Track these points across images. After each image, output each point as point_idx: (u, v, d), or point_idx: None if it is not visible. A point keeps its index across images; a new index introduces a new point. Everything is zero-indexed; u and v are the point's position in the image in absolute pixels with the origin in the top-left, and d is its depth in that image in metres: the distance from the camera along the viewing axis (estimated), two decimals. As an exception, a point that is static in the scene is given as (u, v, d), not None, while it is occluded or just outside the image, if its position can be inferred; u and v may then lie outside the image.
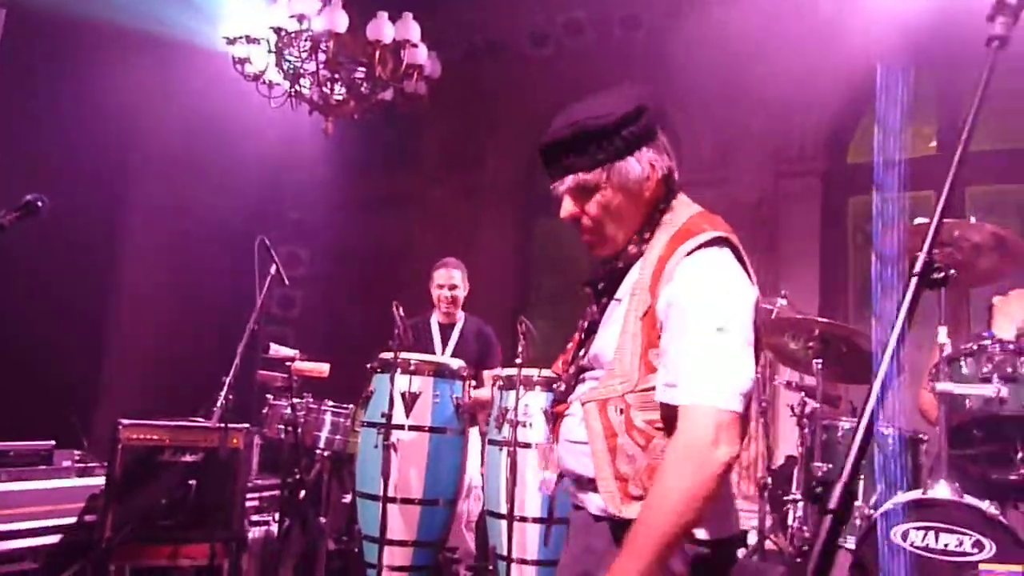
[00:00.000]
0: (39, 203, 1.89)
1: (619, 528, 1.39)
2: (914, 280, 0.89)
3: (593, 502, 1.46)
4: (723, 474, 1.30)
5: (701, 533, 1.38)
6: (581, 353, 1.55)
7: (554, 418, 1.58)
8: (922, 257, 0.88)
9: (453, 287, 3.91)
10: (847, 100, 5.07)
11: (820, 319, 3.25)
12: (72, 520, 3.90)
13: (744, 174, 5.05)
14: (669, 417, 1.35)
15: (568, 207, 1.49)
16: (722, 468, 1.29)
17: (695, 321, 1.34)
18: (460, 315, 3.95)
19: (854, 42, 4.53)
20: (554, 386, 1.63)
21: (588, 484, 1.46)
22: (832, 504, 0.84)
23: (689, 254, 1.38)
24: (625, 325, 1.42)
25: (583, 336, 1.57)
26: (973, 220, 2.94)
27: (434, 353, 3.73)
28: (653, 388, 1.38)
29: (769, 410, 4.10)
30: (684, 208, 1.51)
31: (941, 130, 5.42)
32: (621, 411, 1.39)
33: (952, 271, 0.88)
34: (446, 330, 3.94)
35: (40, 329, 5.19)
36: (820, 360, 3.16)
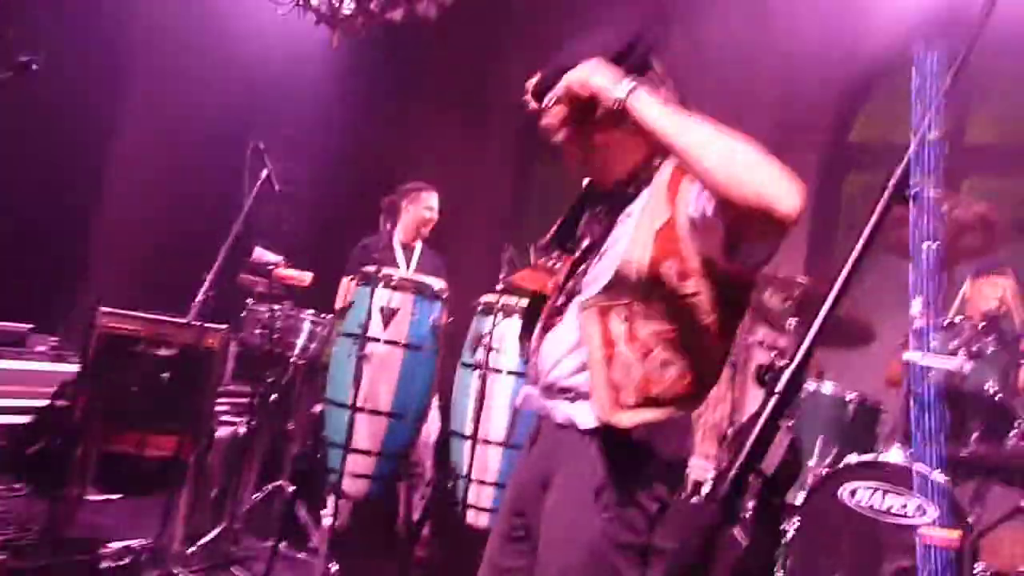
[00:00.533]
0: (33, 64, 1.86)
1: (607, 437, 1.41)
2: (886, 193, 0.91)
3: (562, 411, 1.48)
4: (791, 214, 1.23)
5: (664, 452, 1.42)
6: (582, 268, 1.53)
7: (543, 330, 1.55)
8: (896, 175, 0.90)
9: (434, 212, 3.98)
10: (854, 78, 5.03)
11: (802, 279, 3.28)
12: (44, 403, 3.95)
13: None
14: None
15: (560, 134, 1.48)
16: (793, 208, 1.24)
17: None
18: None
19: (863, 22, 4.49)
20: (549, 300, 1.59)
21: (561, 393, 1.48)
22: (779, 387, 0.87)
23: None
24: (636, 235, 1.43)
25: (582, 254, 1.57)
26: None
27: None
28: (662, 298, 1.39)
29: (740, 368, 4.16)
30: None
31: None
32: (625, 318, 1.40)
33: (915, 195, 0.90)
34: (408, 250, 3.97)
35: (26, 212, 5.15)
36: (796, 319, 3.21)
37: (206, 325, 3.37)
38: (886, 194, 0.92)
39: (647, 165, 1.50)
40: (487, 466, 3.07)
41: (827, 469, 2.91)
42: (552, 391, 1.51)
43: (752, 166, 1.22)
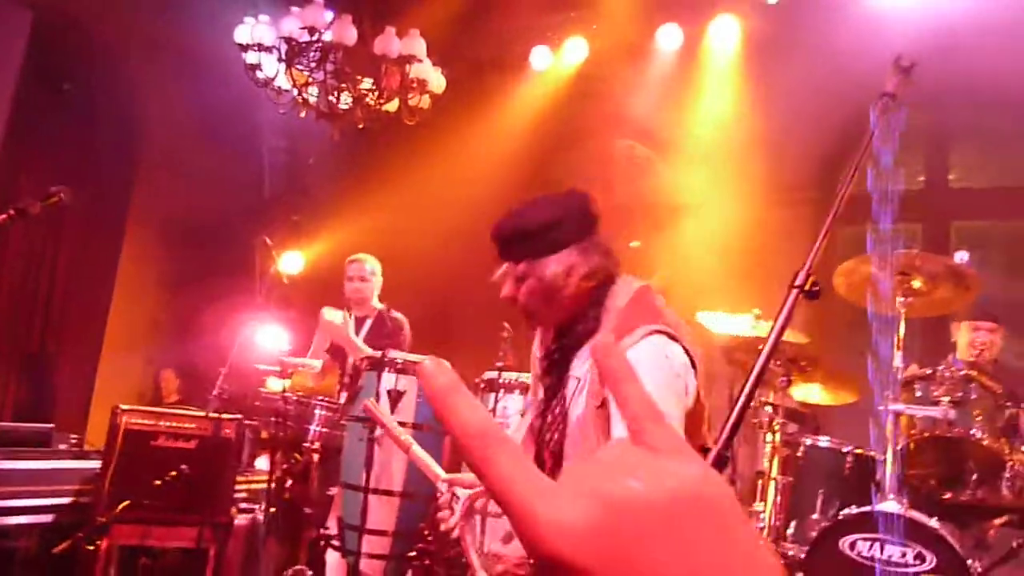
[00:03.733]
0: (62, 195, 2.05)
1: None
2: (794, 291, 1.06)
3: None
4: None
5: None
6: (548, 437, 1.68)
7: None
8: (803, 272, 1.06)
9: (363, 279, 4.03)
10: (842, 133, 5.26)
11: (799, 338, 3.41)
12: (67, 500, 4.06)
13: (735, 200, 5.23)
14: None
15: (505, 289, 1.74)
16: None
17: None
18: (373, 307, 4.02)
19: (847, 78, 4.72)
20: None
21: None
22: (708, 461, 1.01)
23: (633, 345, 1.57)
24: (586, 412, 1.60)
25: (543, 419, 1.72)
26: (962, 257, 3.13)
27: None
28: None
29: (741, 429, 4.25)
30: (624, 294, 1.71)
31: (928, 166, 5.62)
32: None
33: (818, 287, 1.05)
34: (359, 322, 4.01)
35: (45, 322, 5.36)
36: (785, 379, 3.33)
37: (222, 416, 3.51)
38: (792, 295, 1.08)
39: (584, 318, 1.70)
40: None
41: (827, 523, 2.99)
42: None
43: None
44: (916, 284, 2.99)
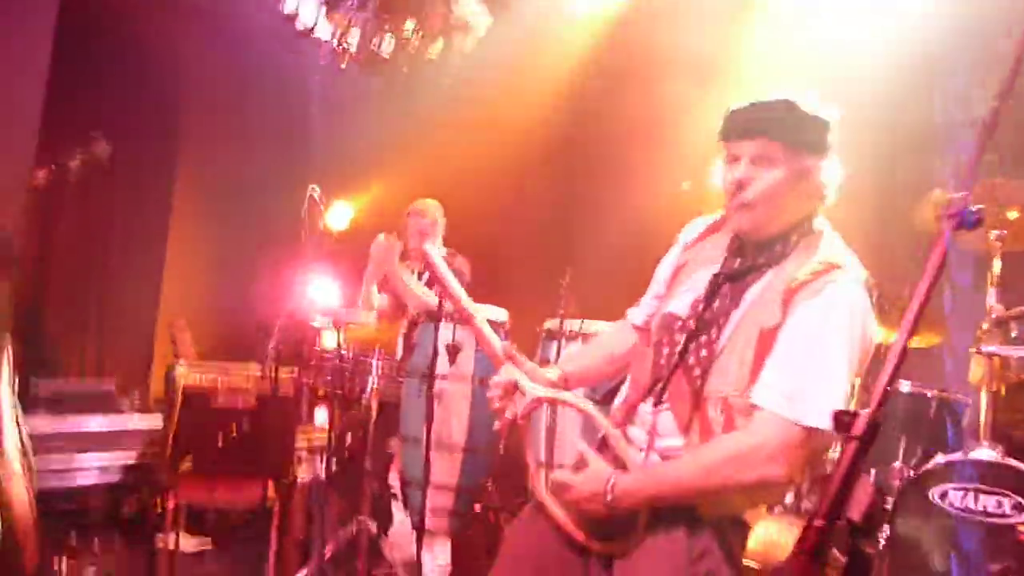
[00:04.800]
0: (102, 148, 1.97)
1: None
2: (950, 221, 0.90)
3: None
4: (766, 486, 1.43)
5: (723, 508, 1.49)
6: (691, 350, 1.52)
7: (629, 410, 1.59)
8: (958, 199, 0.89)
9: (423, 232, 3.90)
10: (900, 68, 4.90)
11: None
12: (132, 459, 4.12)
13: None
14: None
15: (741, 169, 1.51)
16: (769, 481, 1.40)
17: (818, 350, 1.40)
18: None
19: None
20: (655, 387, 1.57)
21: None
22: (856, 431, 0.87)
23: (829, 284, 1.45)
24: (741, 330, 1.48)
25: (695, 329, 1.54)
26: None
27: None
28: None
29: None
30: (829, 233, 1.57)
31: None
32: (722, 411, 1.45)
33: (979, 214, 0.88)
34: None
35: (102, 279, 5.41)
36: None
37: (279, 373, 3.47)
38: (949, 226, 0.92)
39: (785, 239, 1.54)
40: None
41: (913, 472, 2.83)
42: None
43: (728, 467, 1.39)
44: (1012, 216, 2.76)
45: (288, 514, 3.58)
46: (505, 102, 5.53)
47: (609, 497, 1.44)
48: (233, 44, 5.26)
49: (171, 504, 3.39)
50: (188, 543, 3.89)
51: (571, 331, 3.11)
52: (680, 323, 1.58)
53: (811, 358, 1.40)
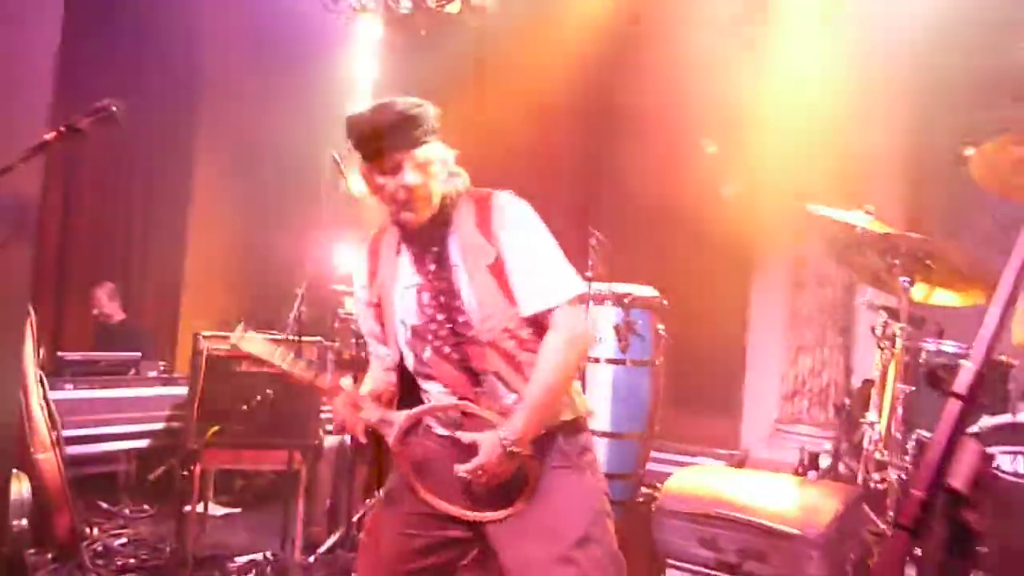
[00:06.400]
0: (113, 108, 1.90)
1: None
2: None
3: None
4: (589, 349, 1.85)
5: (568, 415, 1.74)
6: (439, 322, 1.73)
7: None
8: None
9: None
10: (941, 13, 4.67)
11: (909, 234, 3.07)
12: (160, 426, 4.13)
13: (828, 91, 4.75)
14: (535, 322, 1.71)
15: (414, 176, 1.68)
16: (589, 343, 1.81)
17: (528, 245, 1.72)
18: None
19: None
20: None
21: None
22: (962, 390, 0.77)
23: (493, 206, 1.75)
24: (472, 281, 1.70)
25: (436, 302, 1.74)
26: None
27: None
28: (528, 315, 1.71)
29: (848, 332, 3.96)
30: (461, 182, 1.80)
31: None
32: (511, 339, 1.70)
33: None
34: None
35: (120, 248, 5.40)
36: (907, 279, 3.00)
37: (303, 339, 3.43)
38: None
39: (444, 205, 1.76)
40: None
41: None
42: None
43: (569, 355, 1.70)
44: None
45: (314, 478, 3.57)
46: (528, 60, 5.39)
47: (510, 445, 1.61)
48: (249, 5, 5.17)
49: (198, 470, 3.39)
50: (216, 507, 3.91)
51: (600, 293, 3.02)
52: (425, 320, 1.75)
53: (534, 254, 1.72)
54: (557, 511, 1.69)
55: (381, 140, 1.66)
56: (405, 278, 1.78)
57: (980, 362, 0.77)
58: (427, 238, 1.74)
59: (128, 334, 4.97)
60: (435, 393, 1.77)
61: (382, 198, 1.71)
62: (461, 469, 1.65)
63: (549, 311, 1.68)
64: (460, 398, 1.72)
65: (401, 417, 1.73)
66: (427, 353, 1.74)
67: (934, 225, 4.78)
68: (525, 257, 1.70)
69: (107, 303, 5.04)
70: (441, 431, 1.77)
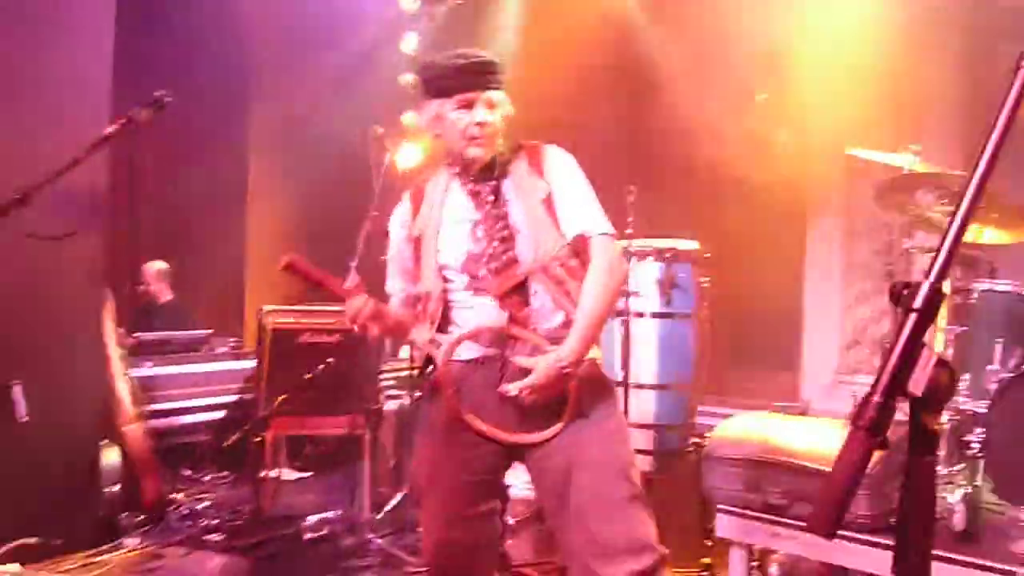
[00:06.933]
0: (166, 98, 2.02)
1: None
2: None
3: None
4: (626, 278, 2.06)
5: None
6: (495, 248, 1.87)
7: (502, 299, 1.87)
8: None
9: None
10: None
11: (957, 172, 3.00)
12: (232, 398, 4.37)
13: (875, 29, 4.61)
14: (578, 254, 1.88)
15: (485, 113, 1.86)
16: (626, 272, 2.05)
17: (576, 186, 1.92)
18: None
19: None
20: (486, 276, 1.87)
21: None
22: (917, 304, 0.83)
23: (546, 153, 1.95)
24: (531, 211, 1.87)
25: (493, 232, 1.88)
26: None
27: None
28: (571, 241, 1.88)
29: (900, 277, 3.89)
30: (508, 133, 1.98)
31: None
32: (560, 265, 1.85)
33: None
34: None
35: (184, 232, 5.66)
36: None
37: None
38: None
39: (508, 148, 1.95)
40: (642, 409, 3.08)
41: (1010, 374, 2.69)
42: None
43: (611, 281, 1.88)
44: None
45: (377, 441, 3.74)
46: (566, 24, 5.38)
47: (566, 364, 1.75)
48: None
49: (269, 437, 3.60)
50: (288, 472, 4.14)
51: (640, 249, 3.07)
52: (481, 248, 1.88)
53: (579, 191, 1.91)
54: (604, 437, 1.82)
55: (465, 75, 1.84)
56: (458, 212, 1.91)
57: (934, 279, 0.83)
58: (487, 174, 1.90)
59: (171, 314, 5.11)
60: (484, 308, 1.86)
61: (450, 135, 1.86)
62: (511, 388, 1.75)
63: (589, 238, 1.85)
64: (509, 316, 1.82)
65: (452, 338, 1.83)
66: (482, 272, 1.86)
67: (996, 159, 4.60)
68: (572, 192, 1.89)
69: (155, 282, 5.14)
70: (485, 351, 1.85)
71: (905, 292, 0.83)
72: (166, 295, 5.21)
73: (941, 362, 0.84)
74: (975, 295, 3.04)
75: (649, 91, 5.37)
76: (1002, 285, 2.99)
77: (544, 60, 5.32)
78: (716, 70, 4.96)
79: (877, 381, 0.85)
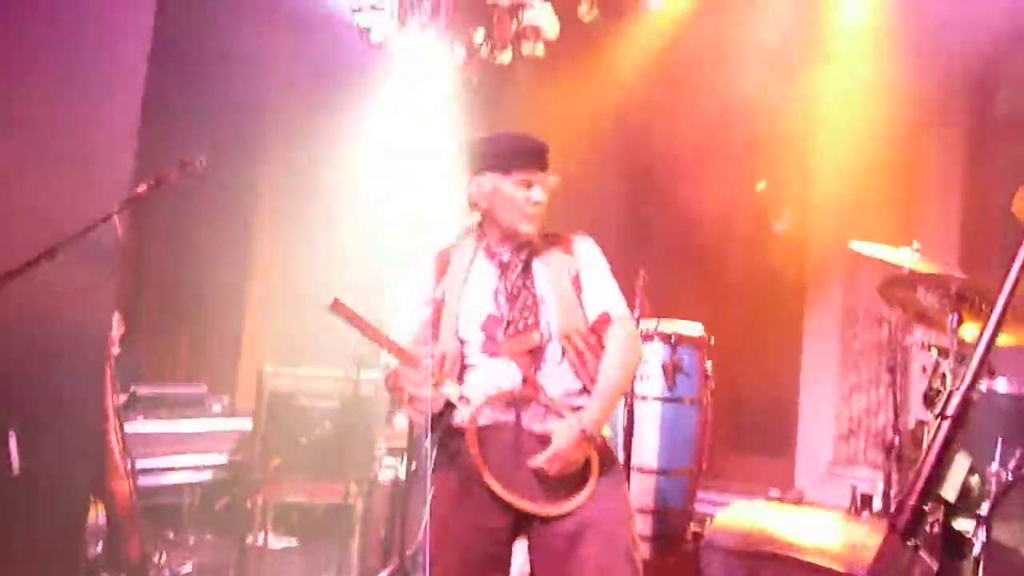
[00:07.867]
0: (199, 162, 2.07)
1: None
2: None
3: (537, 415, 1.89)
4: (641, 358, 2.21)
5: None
6: (516, 314, 1.95)
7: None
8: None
9: None
10: (996, 46, 4.66)
11: (957, 274, 3.07)
12: (223, 459, 4.29)
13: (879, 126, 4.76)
14: (598, 325, 1.97)
15: (542, 193, 1.99)
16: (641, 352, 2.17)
17: (603, 271, 2.05)
18: None
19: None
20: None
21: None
22: (949, 411, 0.85)
23: (576, 238, 2.10)
24: (559, 285, 1.98)
25: (516, 299, 1.97)
26: None
27: None
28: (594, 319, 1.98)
29: (901, 371, 3.93)
30: None
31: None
32: (581, 339, 1.93)
33: None
34: None
35: (191, 289, 5.67)
36: (956, 316, 3.00)
37: (361, 375, 3.57)
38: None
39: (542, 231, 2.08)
40: (643, 493, 3.06)
41: (1011, 475, 2.69)
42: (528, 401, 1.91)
43: (630, 358, 1.99)
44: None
45: (370, 512, 3.67)
46: (576, 103, 5.54)
47: (589, 431, 1.80)
48: (311, 59, 5.43)
49: (259, 500, 3.53)
50: (275, 540, 4.04)
51: (648, 331, 3.09)
52: (503, 311, 1.95)
53: (605, 276, 2.05)
54: (614, 512, 1.85)
55: (529, 156, 1.99)
56: (484, 279, 2.00)
57: (967, 387, 0.86)
58: (520, 249, 2.01)
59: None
60: (497, 370, 1.90)
61: (505, 208, 1.97)
62: (540, 459, 1.78)
63: (610, 318, 1.95)
64: (524, 378, 1.87)
65: (481, 397, 1.84)
66: (500, 335, 1.92)
67: (992, 259, 4.71)
68: (600, 274, 2.04)
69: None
70: (498, 416, 1.87)
71: (938, 399, 0.86)
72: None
73: (972, 469, 0.86)
74: (975, 395, 3.06)
75: (654, 177, 5.50)
76: (1002, 385, 3.02)
77: (554, 143, 5.47)
78: (722, 159, 5.09)
79: (913, 485, 0.87)
